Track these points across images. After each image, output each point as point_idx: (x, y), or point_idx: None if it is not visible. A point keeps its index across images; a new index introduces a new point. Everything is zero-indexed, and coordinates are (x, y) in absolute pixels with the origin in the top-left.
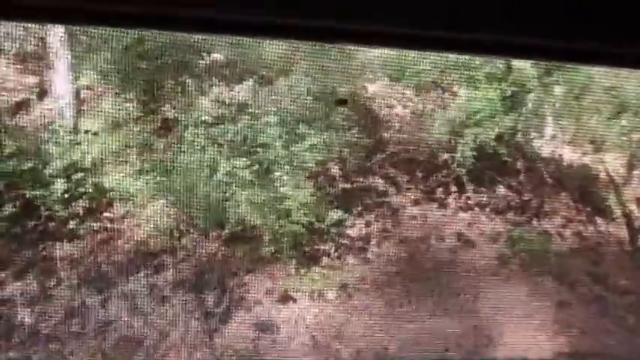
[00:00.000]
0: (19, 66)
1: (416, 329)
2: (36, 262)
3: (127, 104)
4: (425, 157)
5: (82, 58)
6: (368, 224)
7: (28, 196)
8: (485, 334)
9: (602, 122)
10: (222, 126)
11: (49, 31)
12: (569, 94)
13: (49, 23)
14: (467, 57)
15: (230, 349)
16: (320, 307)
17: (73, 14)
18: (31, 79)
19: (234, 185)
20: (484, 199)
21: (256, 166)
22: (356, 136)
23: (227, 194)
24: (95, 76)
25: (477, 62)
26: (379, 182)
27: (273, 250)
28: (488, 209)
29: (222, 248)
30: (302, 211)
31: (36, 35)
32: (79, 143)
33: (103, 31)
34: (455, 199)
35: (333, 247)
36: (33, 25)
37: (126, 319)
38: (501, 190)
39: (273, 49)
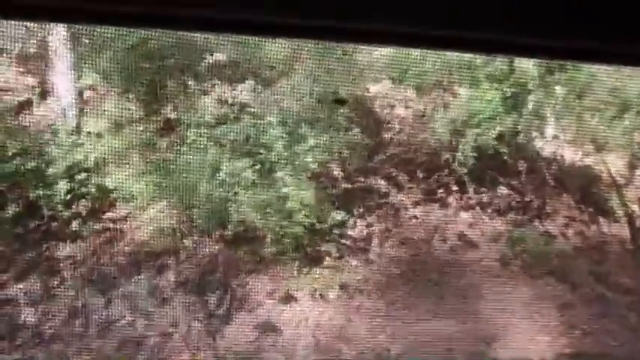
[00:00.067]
0: (21, 67)
1: (418, 330)
2: (39, 263)
3: (130, 104)
4: (426, 157)
5: (84, 59)
6: (369, 225)
7: (31, 196)
8: (487, 335)
9: (604, 122)
10: (225, 126)
11: (50, 31)
12: (570, 94)
13: (49, 22)
14: (468, 57)
15: (232, 350)
16: (322, 308)
17: (74, 13)
18: (34, 80)
19: (236, 186)
20: (485, 199)
21: (258, 167)
22: (357, 136)
23: (229, 195)
24: (97, 77)
25: (478, 62)
26: (381, 183)
27: (274, 251)
28: (489, 209)
29: (225, 249)
30: (304, 212)
31: (38, 36)
32: (81, 143)
33: (106, 31)
34: (456, 199)
35: (335, 248)
36: (35, 26)
37: (128, 319)
38: (503, 190)
39: (275, 49)
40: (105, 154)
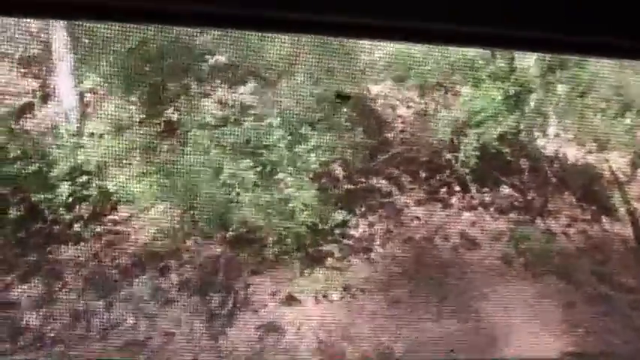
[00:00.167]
0: (22, 70)
1: (420, 329)
2: (41, 265)
3: (131, 107)
4: (428, 157)
5: (86, 62)
6: (372, 225)
7: (33, 199)
8: (490, 334)
9: (607, 120)
10: (226, 128)
11: (52, 34)
12: (572, 93)
13: (48, 19)
14: (469, 56)
15: (234, 351)
16: (324, 308)
17: (73, 9)
18: (35, 83)
19: (238, 187)
20: (488, 198)
21: (260, 168)
22: (359, 136)
23: (231, 196)
24: (99, 79)
25: (480, 62)
26: (383, 183)
27: (277, 252)
28: (492, 209)
29: (227, 250)
30: (306, 212)
31: (39, 39)
32: (83, 146)
33: (107, 32)
34: (458, 199)
35: (337, 248)
36: (37, 30)
37: (130, 321)
38: (505, 189)
39: (275, 50)
40: (106, 156)
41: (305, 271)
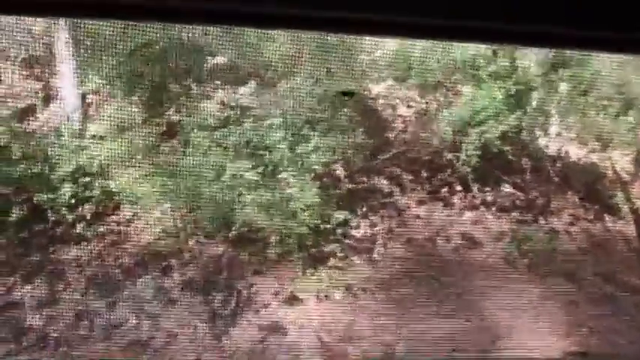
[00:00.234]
0: (25, 71)
1: (422, 329)
2: (44, 266)
3: (133, 108)
4: (429, 156)
5: (88, 63)
6: (373, 224)
7: (35, 200)
8: (492, 334)
9: (609, 119)
10: (227, 128)
11: (54, 36)
12: (574, 91)
13: (48, 17)
14: (470, 55)
15: (237, 350)
16: (326, 308)
17: (74, 7)
18: (37, 85)
19: (239, 187)
20: (489, 198)
21: (261, 168)
22: (360, 136)
23: (233, 196)
24: (100, 81)
25: (481, 61)
26: (384, 183)
27: (279, 252)
28: (494, 208)
29: (229, 250)
30: (307, 213)
31: (42, 41)
32: (85, 147)
33: (109, 34)
34: (460, 198)
35: (339, 248)
36: (39, 31)
37: (133, 321)
38: (507, 188)
39: (276, 50)
40: (109, 157)
41: (307, 271)
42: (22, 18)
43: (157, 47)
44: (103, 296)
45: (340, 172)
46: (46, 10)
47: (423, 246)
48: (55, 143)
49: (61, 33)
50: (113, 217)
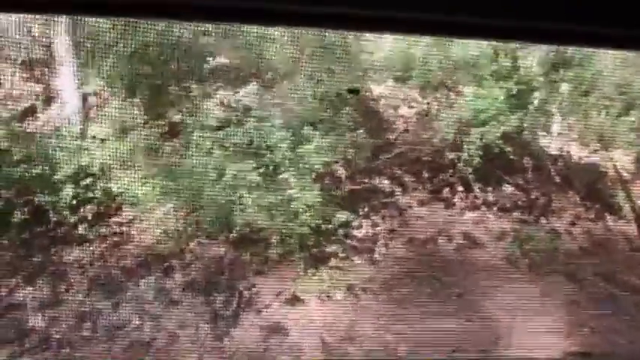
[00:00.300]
0: (25, 73)
1: (424, 329)
2: (46, 267)
3: (134, 109)
4: (431, 156)
5: (88, 64)
6: (375, 225)
7: (37, 201)
8: (493, 334)
9: (610, 119)
10: (228, 129)
11: (54, 37)
12: (575, 91)
13: (46, 13)
14: (472, 55)
15: (239, 351)
16: (328, 308)
17: (72, 4)
18: (38, 86)
19: (241, 188)
20: (491, 198)
21: (263, 169)
22: (362, 137)
23: (234, 197)
24: (101, 82)
25: (482, 61)
26: (385, 183)
27: (280, 252)
28: (495, 208)
29: (231, 250)
30: (309, 213)
31: (42, 42)
32: (86, 148)
33: (110, 35)
34: (462, 198)
35: (341, 249)
36: (39, 33)
37: (136, 322)
38: (508, 188)
39: (277, 51)
40: (110, 158)
41: (309, 271)
42: (22, 19)
43: (158, 48)
44: (105, 297)
45: (342, 172)
46: (46, 8)
47: (424, 246)
48: (56, 144)
49: (61, 34)
50: (115, 218)
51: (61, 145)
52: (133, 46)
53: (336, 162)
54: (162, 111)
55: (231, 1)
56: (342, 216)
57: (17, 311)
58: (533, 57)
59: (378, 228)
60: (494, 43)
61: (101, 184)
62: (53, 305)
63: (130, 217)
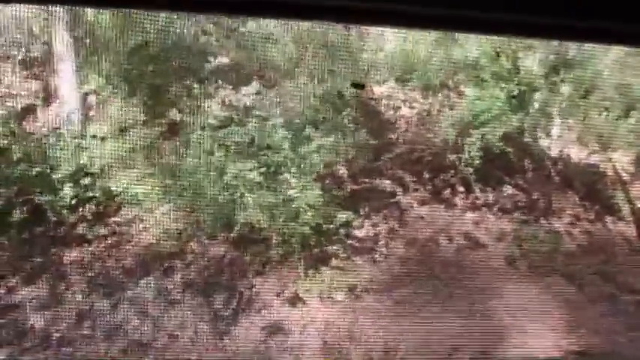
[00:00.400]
0: (25, 72)
1: (424, 330)
2: (46, 267)
3: (134, 108)
4: (432, 157)
5: (88, 63)
6: (376, 225)
7: (36, 201)
8: (493, 334)
9: (610, 120)
10: (229, 128)
11: (53, 36)
12: (576, 93)
13: (44, 3)
14: (473, 56)
15: (239, 351)
16: (329, 309)
17: None
18: (37, 85)
19: (241, 188)
20: (491, 198)
21: (264, 169)
22: (363, 137)
23: (235, 197)
24: (101, 81)
25: (483, 61)
26: (386, 183)
27: (281, 252)
28: (495, 209)
29: (231, 250)
30: (310, 213)
31: (41, 41)
32: (86, 148)
33: (109, 33)
34: (462, 199)
35: (342, 249)
36: (38, 31)
37: (135, 321)
38: (509, 189)
39: (278, 51)
40: (110, 157)
41: (309, 271)
42: (21, 16)
43: (158, 47)
44: (105, 297)
45: (343, 172)
46: None
47: (425, 246)
48: (55, 144)
49: (60, 33)
50: (114, 217)
51: (60, 144)
52: (133, 44)
53: (338, 162)
54: (162, 110)
55: None
56: (343, 216)
57: (16, 311)
58: (534, 58)
59: (379, 228)
60: (494, 38)
61: (101, 184)
62: (52, 305)
63: (130, 217)
